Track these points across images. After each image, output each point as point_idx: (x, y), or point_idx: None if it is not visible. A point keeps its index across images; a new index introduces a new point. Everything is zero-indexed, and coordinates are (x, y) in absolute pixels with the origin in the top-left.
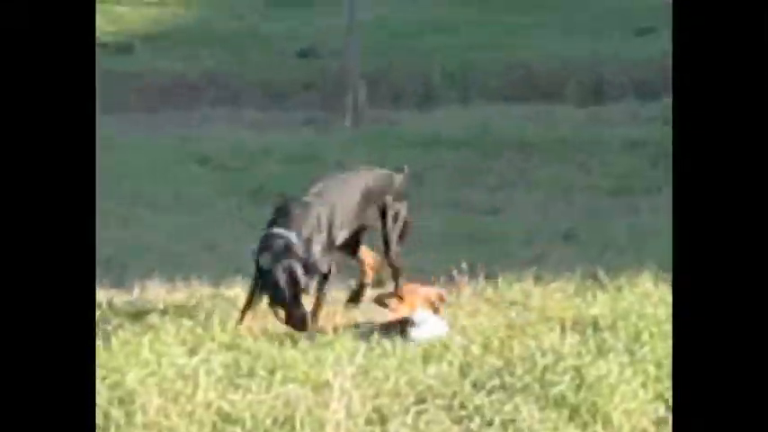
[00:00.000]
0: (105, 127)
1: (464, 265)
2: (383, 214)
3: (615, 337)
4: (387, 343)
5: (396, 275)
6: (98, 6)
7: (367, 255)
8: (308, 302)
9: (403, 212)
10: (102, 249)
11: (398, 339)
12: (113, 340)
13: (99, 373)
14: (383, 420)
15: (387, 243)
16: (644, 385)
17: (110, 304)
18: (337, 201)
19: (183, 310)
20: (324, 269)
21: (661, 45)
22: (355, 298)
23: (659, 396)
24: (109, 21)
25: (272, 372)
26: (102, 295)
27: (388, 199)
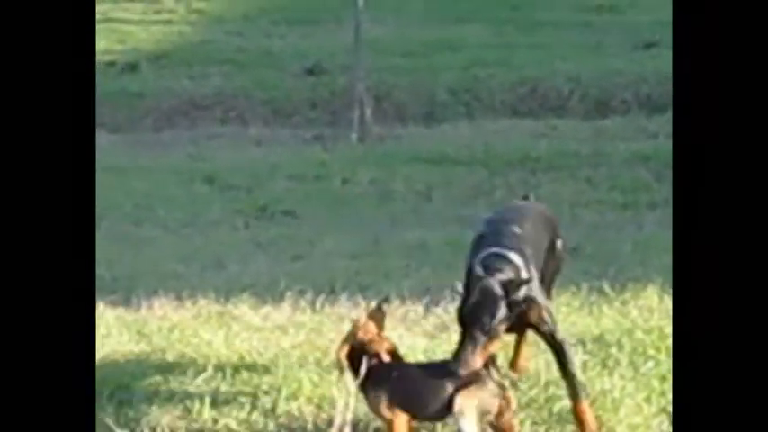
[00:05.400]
0: (112, 147)
1: None
2: None
3: (620, 352)
4: None
5: None
6: (105, 25)
7: None
8: None
9: None
10: (110, 269)
11: None
12: (120, 358)
13: (105, 390)
14: None
15: None
16: (648, 400)
17: (117, 322)
18: None
19: (189, 328)
20: None
21: (666, 59)
22: None
23: (663, 410)
24: (116, 40)
25: (277, 389)
26: (109, 313)
27: None
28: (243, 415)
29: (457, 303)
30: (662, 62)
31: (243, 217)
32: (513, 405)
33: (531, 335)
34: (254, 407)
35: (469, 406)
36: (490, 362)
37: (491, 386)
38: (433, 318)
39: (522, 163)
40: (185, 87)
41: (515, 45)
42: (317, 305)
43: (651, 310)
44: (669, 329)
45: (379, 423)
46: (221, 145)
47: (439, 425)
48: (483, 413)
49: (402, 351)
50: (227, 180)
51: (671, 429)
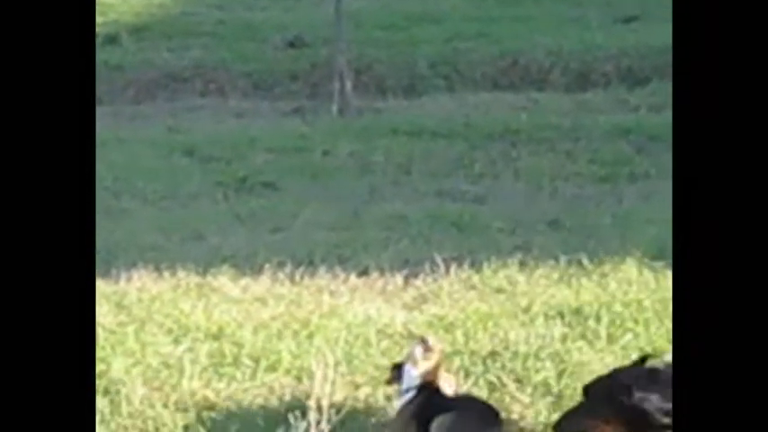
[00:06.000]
0: None
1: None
2: None
3: (598, 324)
4: (370, 332)
5: None
6: None
7: None
8: None
9: None
10: None
11: None
12: (99, 330)
13: None
14: (366, 408)
15: None
16: None
17: (96, 294)
18: None
19: (168, 300)
20: None
21: (646, 33)
22: None
23: None
24: (96, 12)
25: (256, 360)
26: None
27: None
28: (222, 386)
29: (436, 275)
30: (643, 35)
31: (222, 189)
32: None
33: None
34: (233, 378)
35: None
36: None
37: None
38: (412, 290)
39: (502, 136)
40: (165, 59)
41: (496, 18)
42: (297, 277)
43: (630, 283)
44: (648, 302)
45: (356, 397)
46: (201, 117)
47: None
48: None
49: (382, 323)
50: (207, 152)
51: None
